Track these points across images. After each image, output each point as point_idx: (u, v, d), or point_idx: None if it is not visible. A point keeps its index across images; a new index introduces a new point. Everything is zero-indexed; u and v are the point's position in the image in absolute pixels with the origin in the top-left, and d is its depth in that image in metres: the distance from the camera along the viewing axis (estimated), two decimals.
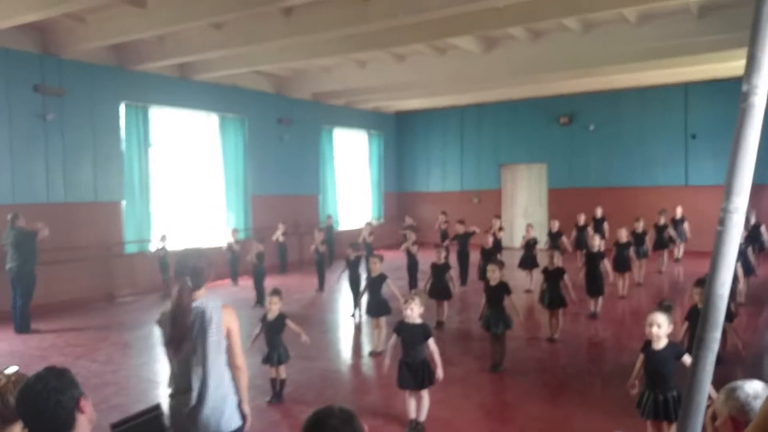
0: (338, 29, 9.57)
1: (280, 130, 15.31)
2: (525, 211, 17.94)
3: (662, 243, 12.63)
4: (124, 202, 11.81)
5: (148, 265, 11.69)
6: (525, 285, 11.09)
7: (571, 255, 12.23)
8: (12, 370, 2.45)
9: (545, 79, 14.03)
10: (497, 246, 11.38)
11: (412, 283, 10.76)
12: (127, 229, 11.87)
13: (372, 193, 19.03)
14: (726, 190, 1.95)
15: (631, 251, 10.31)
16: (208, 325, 3.07)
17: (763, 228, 11.42)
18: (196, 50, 11.00)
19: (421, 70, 13.36)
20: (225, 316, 3.16)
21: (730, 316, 5.79)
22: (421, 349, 4.97)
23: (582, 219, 12.85)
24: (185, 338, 3.04)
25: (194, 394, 3.08)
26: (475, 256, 11.43)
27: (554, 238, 11.78)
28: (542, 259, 9.86)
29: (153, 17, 9.21)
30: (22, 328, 8.87)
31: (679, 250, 13.84)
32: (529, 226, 12.47)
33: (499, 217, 14.04)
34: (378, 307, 7.61)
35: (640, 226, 11.69)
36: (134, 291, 11.78)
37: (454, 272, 9.20)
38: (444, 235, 13.84)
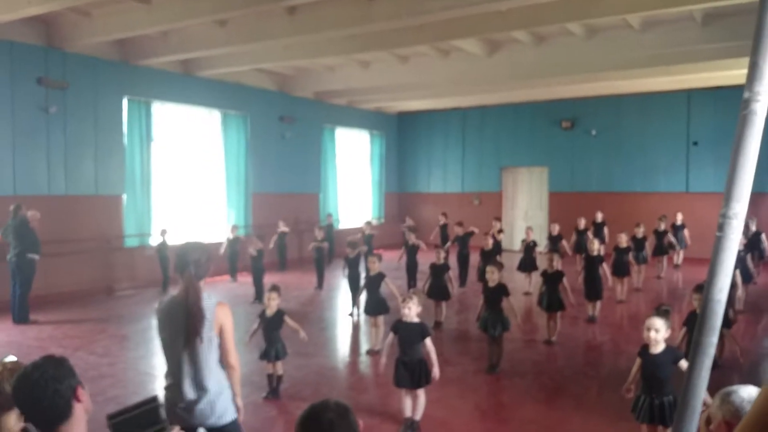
0: (342, 29, 9.58)
1: (282, 128, 15.32)
2: (525, 214, 17.95)
3: (662, 249, 12.64)
4: (125, 196, 11.82)
5: (147, 259, 11.70)
6: (524, 287, 11.10)
7: (571, 259, 12.24)
8: (10, 359, 2.46)
9: (548, 83, 14.04)
10: (497, 248, 11.39)
11: (411, 283, 10.77)
12: (127, 222, 11.89)
13: (373, 192, 19.05)
14: (726, 196, 1.95)
15: (631, 256, 10.33)
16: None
17: (763, 236, 11.44)
18: (199, 47, 11.01)
19: (424, 71, 13.37)
20: (218, 313, 3.16)
21: (728, 323, 5.81)
22: (418, 348, 4.98)
23: (582, 223, 12.86)
24: (196, 330, 3.06)
25: (188, 388, 3.11)
26: (474, 258, 11.45)
27: (554, 241, 11.81)
28: (541, 262, 9.87)
29: (157, 13, 9.24)
30: (21, 318, 8.88)
31: (679, 257, 13.85)
32: (528, 228, 12.49)
33: (499, 219, 14.04)
34: (376, 306, 7.62)
35: (640, 232, 11.70)
36: (133, 284, 11.79)
37: (453, 273, 9.22)
38: (444, 236, 13.85)
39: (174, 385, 3.16)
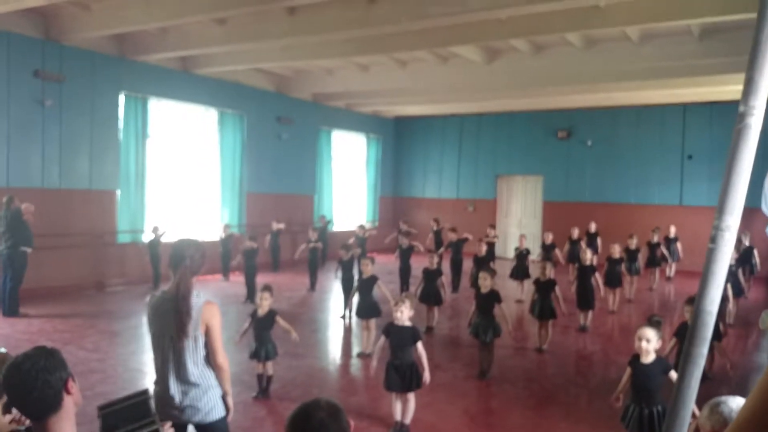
0: (341, 31, 9.60)
1: (278, 129, 15.32)
2: (519, 222, 18.00)
3: (654, 261, 12.69)
4: (118, 192, 11.78)
5: (139, 256, 11.65)
6: (516, 295, 11.12)
7: (564, 268, 12.27)
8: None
9: (545, 92, 14.11)
10: (490, 254, 11.41)
11: (404, 287, 10.77)
12: (120, 218, 11.84)
13: (368, 196, 19.05)
14: (719, 208, 1.97)
15: (623, 267, 10.36)
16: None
17: (755, 251, 11.50)
18: (198, 44, 11.00)
19: (423, 76, 13.41)
20: (205, 312, 3.14)
21: (718, 336, 5.84)
22: (410, 352, 4.98)
23: (575, 233, 12.90)
24: (182, 326, 3.05)
25: (173, 384, 3.11)
26: (468, 264, 11.46)
27: (547, 250, 11.82)
28: (534, 270, 9.89)
29: (157, 9, 9.22)
30: (11, 311, 8.83)
31: (671, 269, 13.91)
32: (522, 236, 12.51)
33: (493, 226, 14.06)
34: (368, 309, 7.61)
35: (633, 243, 11.74)
36: (125, 280, 11.74)
37: (445, 279, 9.23)
38: (438, 241, 13.85)
39: (161, 381, 3.17)
